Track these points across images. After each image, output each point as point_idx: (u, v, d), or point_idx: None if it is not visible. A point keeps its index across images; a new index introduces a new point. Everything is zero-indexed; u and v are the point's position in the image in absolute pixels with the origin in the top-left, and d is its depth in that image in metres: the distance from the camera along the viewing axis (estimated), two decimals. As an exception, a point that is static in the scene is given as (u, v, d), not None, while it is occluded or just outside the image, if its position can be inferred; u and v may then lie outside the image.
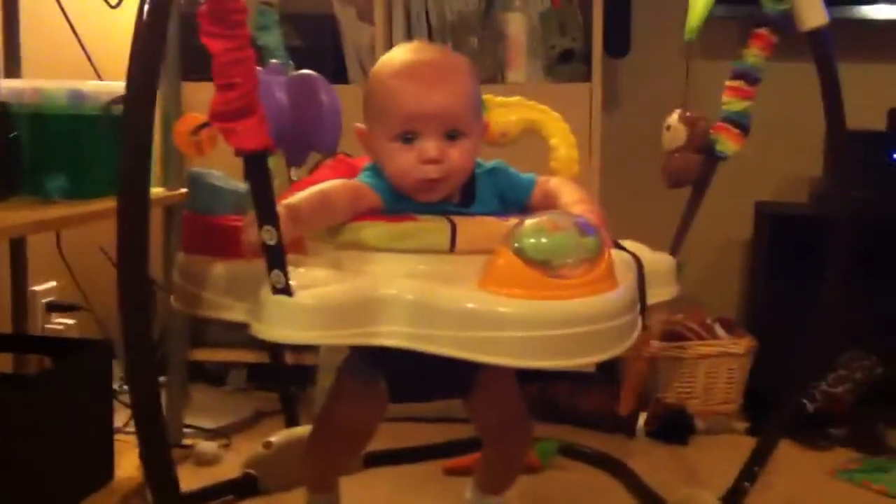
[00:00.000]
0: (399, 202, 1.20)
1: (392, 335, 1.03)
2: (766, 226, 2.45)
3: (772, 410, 1.70)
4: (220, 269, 1.22)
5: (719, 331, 2.37)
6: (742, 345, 2.30)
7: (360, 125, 1.25)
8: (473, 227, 1.15)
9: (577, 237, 1.04)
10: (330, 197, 1.14)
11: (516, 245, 1.03)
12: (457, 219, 1.15)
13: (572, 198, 1.23)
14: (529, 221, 1.06)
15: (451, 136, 1.19)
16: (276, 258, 1.02)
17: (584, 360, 1.05)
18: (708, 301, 2.46)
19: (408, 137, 1.19)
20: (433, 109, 1.18)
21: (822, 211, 1.68)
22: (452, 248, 1.13)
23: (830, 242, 1.57)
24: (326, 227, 1.15)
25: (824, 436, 2.13)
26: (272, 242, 1.01)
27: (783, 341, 1.69)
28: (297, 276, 1.04)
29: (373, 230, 1.13)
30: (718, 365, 2.28)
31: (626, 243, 1.26)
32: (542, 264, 1.02)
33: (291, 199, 1.11)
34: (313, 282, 1.05)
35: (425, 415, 2.12)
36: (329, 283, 1.06)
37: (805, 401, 2.14)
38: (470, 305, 1.02)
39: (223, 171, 1.38)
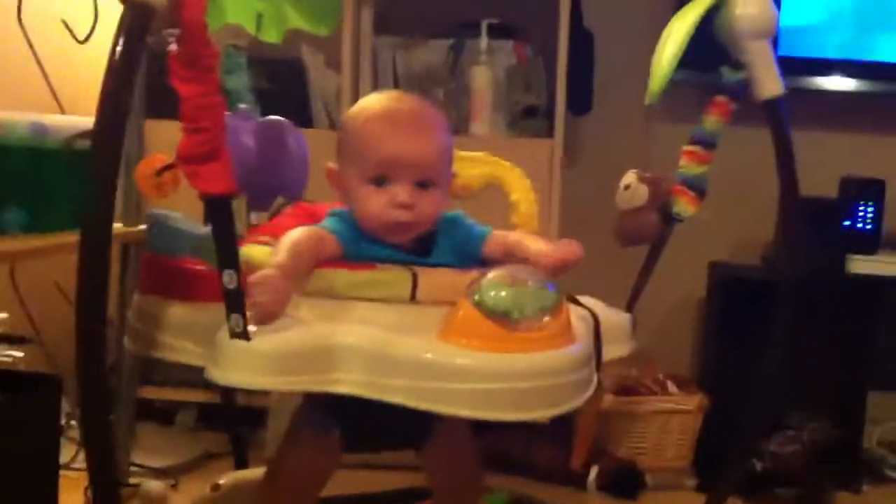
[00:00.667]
0: (360, 249, 1.21)
1: (349, 383, 1.04)
2: (719, 286, 2.49)
3: (721, 468, 1.71)
4: (177, 311, 1.21)
5: (672, 387, 2.39)
6: (694, 401, 2.32)
7: (332, 165, 1.27)
8: (435, 278, 1.16)
9: (537, 291, 1.06)
10: (301, 246, 1.14)
11: (476, 297, 1.04)
12: (418, 269, 1.16)
13: (538, 244, 1.24)
14: (490, 274, 1.08)
15: (423, 184, 1.22)
16: (235, 303, 1.02)
17: (541, 414, 1.06)
18: (661, 357, 2.48)
19: (380, 181, 1.21)
20: (408, 157, 1.20)
21: (773, 273, 1.71)
22: (413, 297, 1.14)
23: (777, 303, 1.60)
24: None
25: (773, 496, 2.15)
26: (232, 287, 1.01)
27: (734, 399, 1.70)
28: (255, 322, 1.04)
29: (335, 277, 1.14)
30: (670, 421, 2.30)
31: (583, 299, 1.28)
32: (501, 317, 1.03)
33: (276, 258, 1.10)
34: (271, 328, 1.05)
35: (379, 462, 2.10)
36: (287, 329, 1.06)
37: (754, 460, 2.16)
38: (428, 356, 1.02)
39: (182, 212, 1.37)
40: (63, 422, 1.72)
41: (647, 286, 1.58)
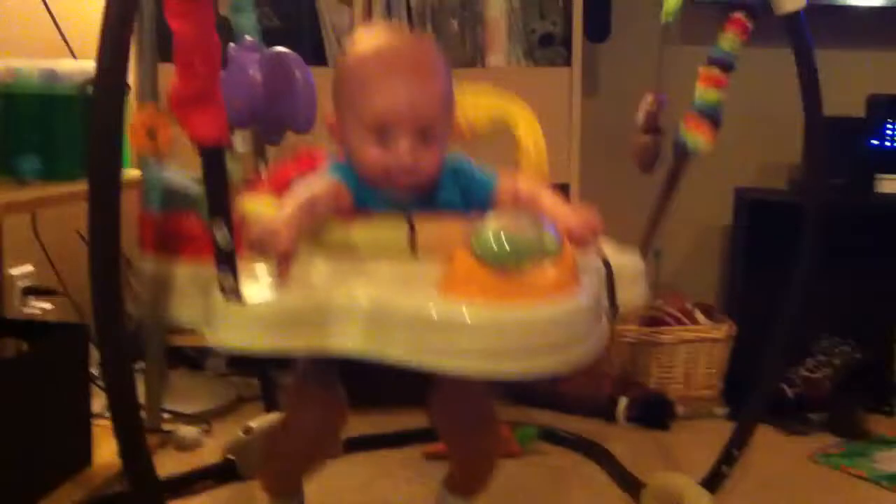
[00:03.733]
0: (366, 195, 1.16)
1: (347, 342, 1.00)
2: (745, 212, 2.46)
3: (751, 395, 1.70)
4: (175, 273, 1.17)
5: (699, 316, 2.37)
6: (722, 330, 2.30)
7: (330, 115, 1.20)
8: (434, 229, 1.10)
9: (538, 237, 1.01)
10: (318, 201, 1.10)
11: (475, 247, 1.00)
12: (417, 222, 1.11)
13: (557, 207, 1.16)
14: (489, 223, 1.03)
15: (424, 133, 1.14)
16: (227, 261, 0.99)
17: (548, 365, 1.01)
18: (688, 287, 2.47)
19: (380, 131, 1.14)
20: (407, 108, 1.12)
21: (800, 197, 1.67)
22: (413, 249, 1.09)
23: (805, 228, 1.57)
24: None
25: (804, 421, 2.14)
26: (224, 244, 0.99)
27: (762, 327, 1.69)
28: (250, 280, 1.01)
29: (332, 233, 1.10)
30: (698, 350, 2.29)
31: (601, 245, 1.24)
32: (499, 267, 0.99)
33: (286, 209, 1.06)
34: (266, 287, 1.01)
35: (403, 399, 2.11)
36: (283, 289, 1.02)
37: (784, 386, 2.15)
38: (426, 312, 0.98)
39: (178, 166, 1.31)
40: (94, 371, 1.73)
41: (672, 215, 1.54)
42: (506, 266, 0.99)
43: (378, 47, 1.17)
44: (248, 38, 1.42)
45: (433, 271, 1.03)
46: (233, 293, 0.99)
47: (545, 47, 2.32)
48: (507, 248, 1.00)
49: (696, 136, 1.44)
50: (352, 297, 1.00)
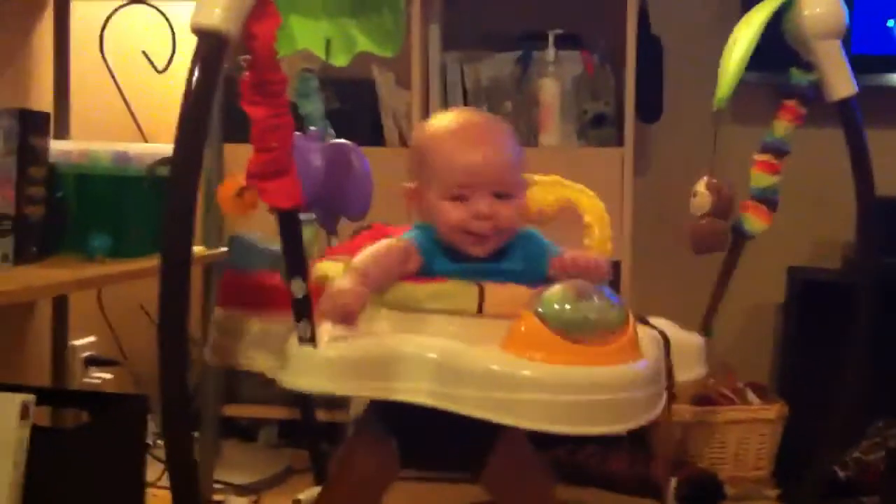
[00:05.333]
0: (436, 263, 1.23)
1: (414, 391, 1.06)
2: (798, 291, 2.44)
3: (803, 478, 1.68)
4: (253, 323, 1.25)
5: (751, 396, 2.35)
6: (774, 410, 2.27)
7: (409, 185, 1.30)
8: (501, 292, 1.17)
9: (602, 306, 1.06)
10: (384, 257, 1.19)
11: (540, 310, 1.05)
12: (485, 283, 1.17)
13: (588, 258, 1.27)
14: (554, 287, 1.09)
15: (500, 195, 1.24)
16: (303, 310, 1.06)
17: (604, 429, 1.06)
18: (740, 365, 2.44)
19: (460, 197, 1.23)
20: (485, 170, 1.24)
21: (853, 277, 1.67)
22: (480, 310, 1.15)
23: (856, 308, 1.57)
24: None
25: (857, 504, 2.10)
26: (300, 295, 1.06)
27: (815, 408, 1.67)
28: (324, 330, 1.08)
29: (406, 289, 1.17)
30: (750, 430, 2.26)
31: (654, 320, 1.27)
32: (564, 330, 1.04)
33: (356, 262, 1.16)
34: (338, 335, 1.09)
35: (444, 475, 2.11)
36: (354, 337, 1.09)
37: (837, 469, 2.11)
38: (492, 366, 1.03)
39: (262, 232, 1.41)
40: (150, 441, 1.76)
41: (725, 293, 1.56)
42: (570, 329, 1.04)
43: (453, 122, 1.30)
44: (312, 128, 1.49)
45: (498, 331, 1.08)
46: (308, 340, 1.07)
47: (597, 127, 2.36)
48: (573, 312, 1.05)
49: (753, 220, 1.50)
50: (423, 347, 1.07)
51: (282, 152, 1.05)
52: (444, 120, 1.32)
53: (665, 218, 2.26)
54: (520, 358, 1.04)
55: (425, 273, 1.22)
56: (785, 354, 2.55)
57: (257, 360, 1.24)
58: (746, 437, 2.26)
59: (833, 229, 2.51)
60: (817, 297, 2.36)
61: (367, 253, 1.19)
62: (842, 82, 1.41)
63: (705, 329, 1.49)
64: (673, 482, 2.15)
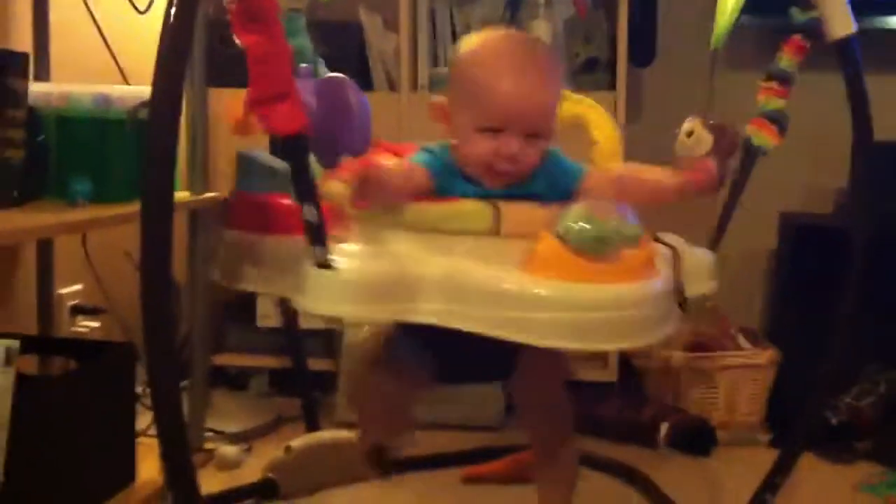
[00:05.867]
0: (451, 185, 1.21)
1: (429, 312, 1.05)
2: (790, 236, 2.43)
3: (794, 422, 1.68)
4: (266, 244, 1.24)
5: (743, 342, 2.35)
6: (765, 356, 2.28)
7: (440, 100, 1.26)
8: (518, 212, 1.16)
9: (620, 224, 1.06)
10: (389, 173, 1.15)
11: (559, 230, 1.05)
12: (502, 204, 1.16)
13: (655, 173, 1.26)
14: (574, 207, 1.08)
15: (531, 135, 1.21)
16: (318, 235, 1.05)
17: (620, 345, 1.09)
18: (732, 311, 2.44)
19: (492, 130, 1.20)
20: (523, 112, 1.19)
21: (847, 222, 1.66)
22: (497, 231, 1.14)
23: (849, 253, 1.56)
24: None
25: (848, 449, 2.11)
26: (313, 220, 1.05)
27: (807, 353, 1.67)
28: (339, 252, 1.07)
29: (419, 210, 1.15)
30: (741, 376, 2.27)
31: (666, 236, 1.27)
32: (583, 249, 1.03)
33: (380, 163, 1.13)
34: (355, 258, 1.07)
35: (443, 422, 2.12)
36: (370, 259, 1.08)
37: (829, 413, 2.12)
38: (505, 286, 1.03)
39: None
40: (139, 389, 1.75)
41: (733, 212, 1.55)
42: (587, 249, 1.04)
43: (500, 49, 1.24)
44: (302, 65, 1.45)
45: (516, 251, 1.07)
46: (324, 264, 1.05)
47: (589, 72, 2.33)
48: (590, 232, 1.04)
49: (763, 136, 1.48)
50: (436, 268, 1.06)
51: (279, 77, 1.02)
52: (492, 42, 1.25)
53: (657, 163, 2.24)
54: (536, 277, 1.03)
55: (440, 194, 1.20)
56: (777, 300, 2.56)
57: (269, 282, 1.22)
58: (738, 382, 2.27)
59: (825, 175, 2.50)
60: (809, 243, 2.36)
61: (390, 162, 1.17)
62: (841, 21, 1.39)
63: (712, 244, 1.49)
64: (664, 428, 2.16)
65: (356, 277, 1.05)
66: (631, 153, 2.25)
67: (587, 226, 1.05)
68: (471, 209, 1.16)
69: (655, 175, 1.26)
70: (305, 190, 1.06)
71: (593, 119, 1.49)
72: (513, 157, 1.20)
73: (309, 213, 1.05)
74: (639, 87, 2.58)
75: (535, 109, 1.20)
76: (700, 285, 1.29)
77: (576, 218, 1.05)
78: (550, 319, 1.02)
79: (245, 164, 1.41)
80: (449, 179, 1.22)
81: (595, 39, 2.34)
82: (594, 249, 1.04)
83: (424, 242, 1.11)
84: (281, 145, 1.05)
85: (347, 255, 1.07)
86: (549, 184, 1.25)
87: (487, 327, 1.03)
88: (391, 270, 1.06)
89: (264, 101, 1.01)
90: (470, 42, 1.27)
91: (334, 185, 1.20)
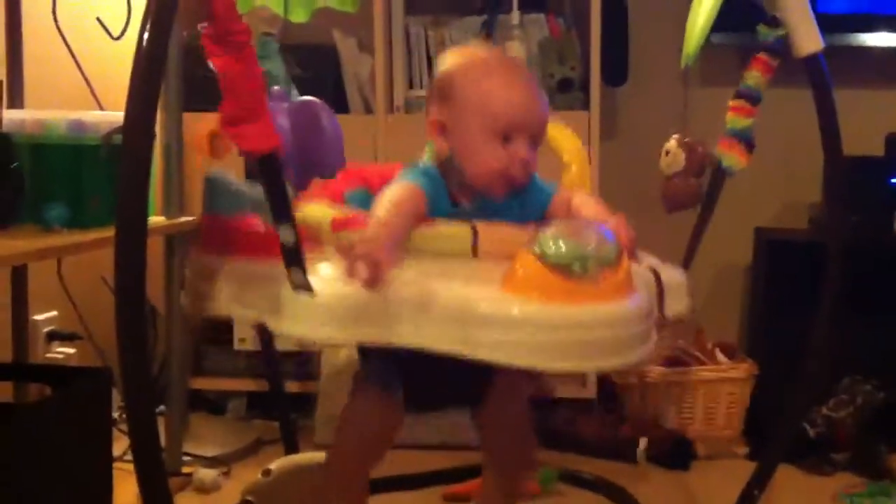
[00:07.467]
0: (437, 204, 1.22)
1: (406, 334, 1.04)
2: (765, 251, 2.45)
3: (772, 435, 1.69)
4: (236, 268, 1.22)
5: (720, 356, 2.36)
6: (742, 370, 2.29)
7: (437, 117, 1.26)
8: (496, 233, 1.16)
9: (598, 244, 1.06)
10: (403, 205, 1.16)
11: (537, 249, 1.04)
12: (480, 225, 1.17)
13: (599, 213, 1.26)
14: (551, 227, 1.08)
15: (533, 143, 1.24)
16: (294, 257, 1.04)
17: (600, 365, 1.06)
18: (709, 326, 2.46)
19: (505, 137, 1.22)
20: (534, 115, 1.23)
21: (821, 237, 1.68)
22: (475, 252, 1.15)
23: (826, 267, 1.57)
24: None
25: (827, 461, 2.12)
26: (290, 242, 1.04)
27: (783, 366, 1.68)
28: (316, 274, 1.06)
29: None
30: (719, 390, 2.28)
31: (641, 256, 1.28)
32: (561, 269, 1.03)
33: (378, 217, 1.12)
34: (331, 281, 1.07)
35: (424, 442, 2.11)
36: (347, 282, 1.06)
37: (806, 426, 2.13)
38: (483, 306, 1.02)
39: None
40: (115, 414, 1.74)
41: (704, 232, 1.57)
42: (566, 268, 1.03)
43: (498, 60, 1.29)
44: (275, 88, 1.46)
45: (495, 271, 1.07)
46: (302, 287, 1.04)
47: (564, 92, 2.34)
48: (569, 251, 1.04)
49: (731, 157, 1.50)
50: (414, 291, 1.05)
51: (251, 97, 1.02)
52: (484, 56, 1.29)
53: (632, 181, 2.26)
54: (515, 298, 1.02)
55: (430, 215, 1.20)
56: (753, 314, 2.57)
57: (241, 308, 1.20)
58: (716, 396, 2.28)
59: (799, 190, 2.53)
60: (784, 257, 2.38)
61: (385, 201, 1.16)
62: (808, 38, 1.41)
63: (684, 263, 1.50)
64: (643, 443, 2.17)
65: (333, 301, 1.04)
66: (606, 170, 2.28)
67: (563, 245, 1.05)
68: (449, 231, 1.16)
69: (598, 214, 1.26)
70: (282, 211, 1.05)
71: (561, 140, 1.50)
72: (525, 162, 1.22)
73: (285, 234, 1.04)
74: (613, 105, 2.60)
75: (541, 116, 1.25)
76: (676, 304, 1.29)
77: (552, 237, 1.06)
78: (528, 339, 1.01)
79: (212, 187, 1.39)
80: (436, 200, 1.22)
81: (569, 60, 2.35)
82: (572, 269, 1.03)
83: (402, 264, 1.11)
84: (255, 165, 1.04)
85: (324, 277, 1.07)
86: (523, 203, 1.27)
87: (465, 349, 1.02)
88: (367, 293, 1.05)
89: (236, 122, 1.01)
90: (457, 57, 1.29)
91: (311, 208, 1.20)
